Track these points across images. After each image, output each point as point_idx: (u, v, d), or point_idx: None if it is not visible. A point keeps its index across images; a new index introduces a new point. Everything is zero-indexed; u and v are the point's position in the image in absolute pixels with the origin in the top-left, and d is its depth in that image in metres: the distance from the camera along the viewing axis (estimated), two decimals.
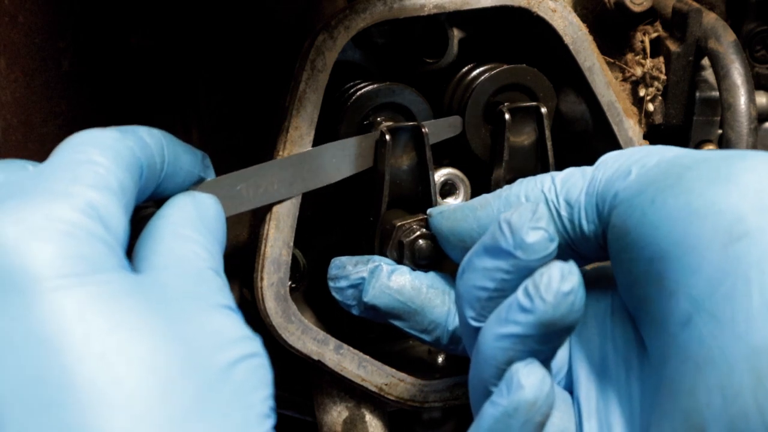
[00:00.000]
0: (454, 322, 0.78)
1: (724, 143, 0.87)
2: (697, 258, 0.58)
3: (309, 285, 0.91)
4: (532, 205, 0.62)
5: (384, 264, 0.79)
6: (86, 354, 0.52)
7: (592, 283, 0.70)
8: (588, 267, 0.75)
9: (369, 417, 0.87)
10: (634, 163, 0.66)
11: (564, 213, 0.68)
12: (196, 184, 0.73)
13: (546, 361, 0.63)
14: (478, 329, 0.65)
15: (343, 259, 0.80)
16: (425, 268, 0.82)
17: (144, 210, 0.68)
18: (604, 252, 0.68)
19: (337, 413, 0.87)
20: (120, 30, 0.83)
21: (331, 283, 0.81)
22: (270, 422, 0.57)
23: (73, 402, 0.51)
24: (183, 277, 0.60)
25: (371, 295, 0.78)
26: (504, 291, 0.63)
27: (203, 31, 0.85)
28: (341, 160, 0.81)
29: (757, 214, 0.56)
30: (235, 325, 0.59)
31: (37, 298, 0.52)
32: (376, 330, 0.90)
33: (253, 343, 0.58)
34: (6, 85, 0.81)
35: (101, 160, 0.60)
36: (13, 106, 0.81)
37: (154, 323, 0.54)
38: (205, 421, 0.53)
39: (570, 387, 0.70)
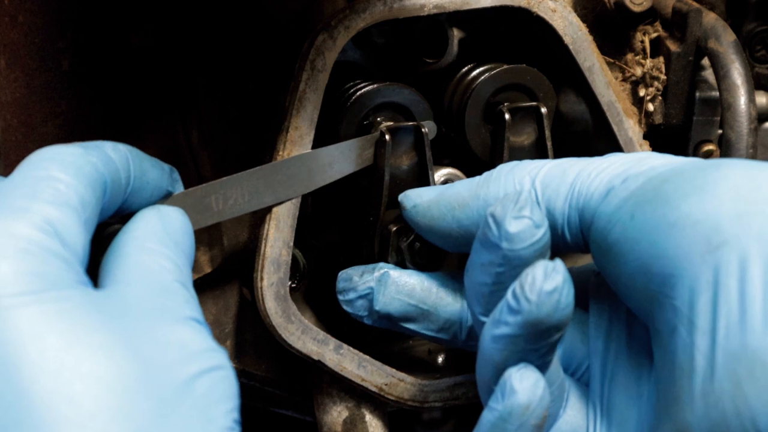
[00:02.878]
0: (469, 317, 0.78)
1: (724, 143, 0.87)
2: (678, 269, 0.59)
3: (309, 285, 0.91)
4: (515, 195, 0.62)
5: (390, 270, 0.79)
6: (41, 372, 0.51)
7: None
8: None
9: (369, 417, 0.87)
10: (613, 177, 0.67)
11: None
12: (165, 198, 0.72)
13: (542, 360, 0.64)
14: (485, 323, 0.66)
15: (349, 271, 0.80)
16: (426, 267, 0.82)
17: (110, 227, 0.67)
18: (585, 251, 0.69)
19: (337, 413, 0.87)
20: (120, 30, 0.83)
21: (340, 297, 0.80)
22: None
23: (28, 421, 0.51)
24: (147, 290, 0.60)
25: (382, 303, 0.78)
26: (503, 284, 0.64)
27: (203, 31, 0.85)
28: (314, 170, 0.80)
29: (733, 223, 0.57)
30: (198, 338, 0.58)
31: None
32: (375, 330, 0.90)
33: (217, 356, 0.58)
34: (6, 85, 0.81)
35: (62, 176, 0.59)
36: (13, 106, 0.81)
37: (111, 339, 0.54)
38: None
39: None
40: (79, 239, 0.58)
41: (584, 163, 0.70)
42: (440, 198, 0.75)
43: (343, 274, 0.80)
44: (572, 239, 0.69)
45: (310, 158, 0.80)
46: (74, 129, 0.83)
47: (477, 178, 0.75)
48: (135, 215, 0.67)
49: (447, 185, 0.76)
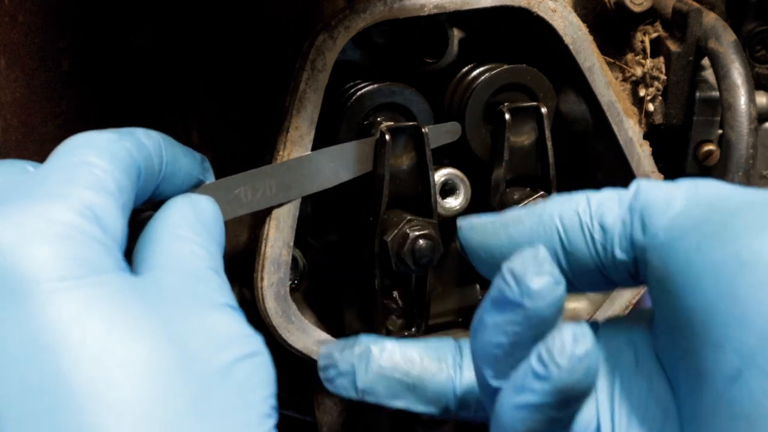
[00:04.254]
0: (460, 385, 0.73)
1: (724, 143, 0.86)
2: (747, 311, 0.55)
3: (309, 285, 0.91)
4: (533, 250, 0.59)
5: (372, 344, 0.74)
6: (82, 357, 0.51)
7: (613, 330, 0.68)
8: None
9: (369, 417, 0.87)
10: (675, 199, 0.63)
11: (597, 237, 0.65)
12: (195, 186, 0.73)
13: (566, 430, 0.61)
14: (498, 389, 0.62)
15: (330, 346, 0.76)
16: (426, 267, 0.82)
17: (142, 214, 0.68)
18: (634, 280, 0.66)
19: (337, 413, 0.87)
20: (120, 30, 0.83)
21: (321, 374, 0.75)
22: (271, 422, 0.56)
23: (69, 406, 0.51)
24: (182, 277, 0.60)
25: (365, 381, 0.74)
26: (520, 345, 0.60)
27: (203, 31, 0.85)
28: (339, 164, 0.81)
29: None
30: (235, 324, 0.58)
31: (33, 301, 0.52)
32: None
33: (255, 342, 0.58)
34: (6, 85, 0.81)
35: (98, 161, 0.59)
36: (13, 106, 0.81)
37: (151, 324, 0.54)
38: (204, 422, 0.53)
39: None
40: (117, 224, 0.58)
41: (640, 185, 0.66)
42: (498, 217, 0.72)
43: (323, 350, 0.76)
44: (621, 257, 0.65)
45: (337, 152, 0.81)
46: (74, 129, 0.83)
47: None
48: (167, 203, 0.67)
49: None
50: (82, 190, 0.57)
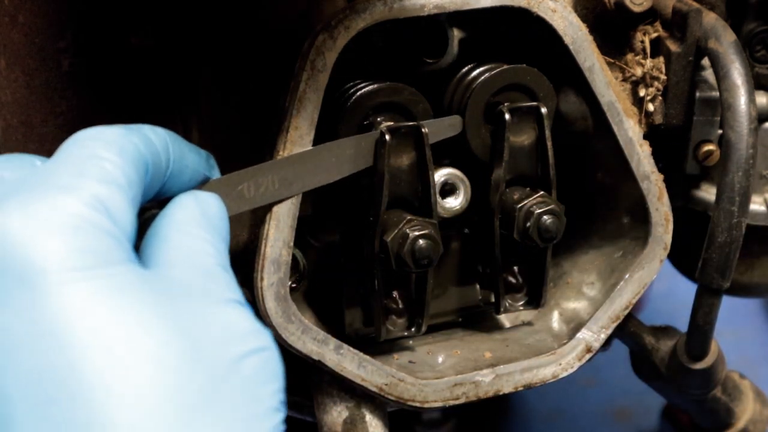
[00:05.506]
0: None
1: (724, 143, 0.87)
2: None
3: (309, 285, 0.91)
4: None
5: None
6: (93, 348, 0.52)
7: None
8: None
9: (369, 417, 0.87)
10: None
11: None
12: (202, 183, 0.73)
13: None
14: None
15: None
16: (426, 267, 0.82)
17: (148, 211, 0.68)
18: None
19: (337, 413, 0.87)
20: (120, 30, 0.83)
21: None
22: (280, 416, 0.57)
23: (80, 396, 0.51)
24: (191, 272, 0.60)
25: None
26: None
27: (203, 31, 0.85)
28: (341, 158, 0.81)
29: None
30: (244, 319, 0.59)
31: (43, 291, 0.52)
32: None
33: (263, 337, 0.58)
34: (6, 85, 0.81)
35: (107, 155, 0.59)
36: (13, 106, 0.81)
37: (163, 316, 0.54)
38: (214, 415, 0.53)
39: None
40: (127, 217, 0.58)
41: None
42: None
43: None
44: None
45: (338, 147, 0.81)
46: (74, 129, 0.82)
47: None
48: (173, 200, 0.68)
49: None
50: (92, 183, 0.57)
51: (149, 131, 0.65)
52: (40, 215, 0.54)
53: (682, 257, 1.07)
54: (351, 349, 0.83)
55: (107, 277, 0.54)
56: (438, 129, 0.84)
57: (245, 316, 0.59)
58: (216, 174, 0.76)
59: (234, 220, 0.84)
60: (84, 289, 0.53)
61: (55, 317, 0.52)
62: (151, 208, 0.68)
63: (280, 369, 0.59)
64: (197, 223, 0.65)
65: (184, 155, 0.69)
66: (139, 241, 0.63)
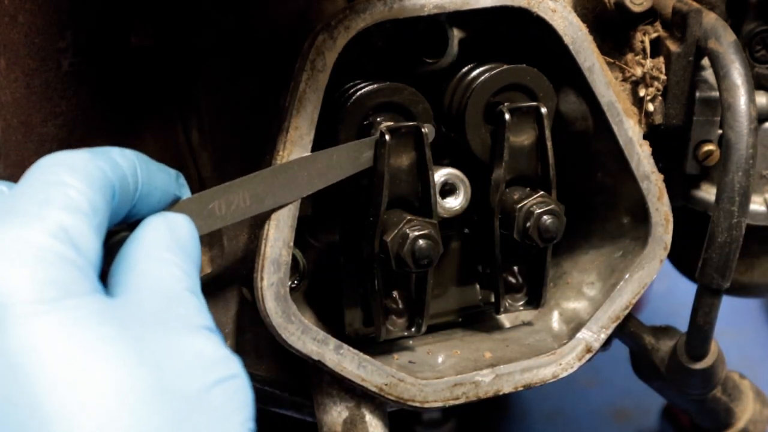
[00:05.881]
0: None
1: (724, 143, 0.87)
2: None
3: (309, 285, 0.91)
4: None
5: None
6: (56, 381, 0.51)
7: None
8: None
9: (369, 417, 0.87)
10: None
11: None
12: (173, 203, 0.72)
13: None
14: None
15: None
16: (426, 267, 0.82)
17: (118, 234, 0.67)
18: None
19: (337, 413, 0.87)
20: (120, 30, 0.83)
21: None
22: None
23: (42, 430, 0.50)
24: (158, 298, 0.60)
25: None
26: None
27: (203, 31, 0.85)
28: (312, 173, 0.80)
29: None
30: (212, 346, 0.58)
31: (6, 324, 0.52)
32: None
33: (232, 365, 0.58)
34: (6, 85, 0.81)
35: (72, 181, 0.59)
36: (13, 106, 0.81)
37: (126, 347, 0.54)
38: None
39: None
40: (92, 245, 0.58)
41: None
42: None
43: None
44: None
45: (309, 161, 0.80)
46: (74, 129, 0.83)
47: None
48: (142, 222, 0.67)
49: None
50: (56, 212, 0.57)
51: (116, 154, 0.65)
52: (5, 246, 0.54)
53: (682, 257, 1.07)
54: (351, 349, 0.83)
55: (71, 309, 0.54)
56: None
57: (214, 343, 0.58)
58: (186, 192, 0.75)
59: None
60: (48, 321, 0.52)
61: (18, 350, 0.52)
62: (120, 230, 0.68)
63: (250, 397, 0.58)
64: (166, 246, 0.64)
65: (153, 176, 0.69)
66: (107, 265, 0.63)
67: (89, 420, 0.51)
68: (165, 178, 0.71)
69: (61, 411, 0.51)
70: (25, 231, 0.55)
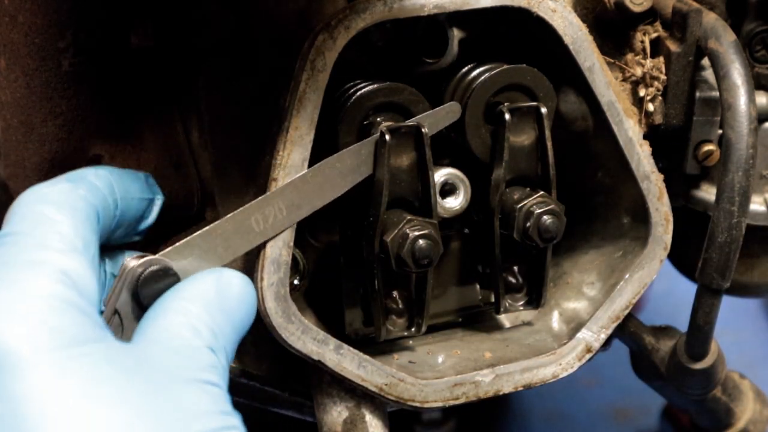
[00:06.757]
0: None
1: (724, 143, 0.87)
2: None
3: (309, 285, 0.91)
4: None
5: None
6: (59, 429, 0.52)
7: None
8: None
9: (369, 417, 0.87)
10: None
11: None
12: (149, 205, 0.73)
13: None
14: None
15: None
16: (426, 267, 0.82)
17: (166, 277, 0.68)
18: None
19: (337, 413, 0.87)
20: (120, 30, 0.83)
21: None
22: None
23: None
24: (170, 351, 0.61)
25: None
26: None
27: (203, 31, 0.85)
28: (344, 171, 0.80)
29: None
30: (212, 400, 0.59)
31: (14, 374, 0.53)
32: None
33: (231, 419, 0.58)
34: (6, 85, 0.81)
35: (60, 218, 0.60)
36: (13, 106, 0.81)
37: (128, 397, 0.55)
38: None
39: None
40: (91, 284, 0.59)
41: None
42: None
43: None
44: None
45: (337, 162, 0.80)
46: (74, 129, 0.83)
47: None
48: (195, 275, 0.68)
49: None
50: (55, 255, 0.58)
51: (93, 177, 0.66)
52: (9, 297, 0.55)
53: (682, 257, 1.07)
54: (351, 349, 0.83)
55: (77, 357, 0.55)
56: (436, 120, 0.84)
57: (215, 397, 0.59)
58: (158, 191, 0.76)
59: None
60: (54, 370, 0.54)
61: (24, 399, 0.53)
62: (167, 269, 0.68)
63: None
64: (204, 303, 0.65)
65: (128, 189, 0.70)
66: (145, 310, 0.65)
67: None
68: (138, 185, 0.73)
69: None
70: (27, 279, 0.56)
